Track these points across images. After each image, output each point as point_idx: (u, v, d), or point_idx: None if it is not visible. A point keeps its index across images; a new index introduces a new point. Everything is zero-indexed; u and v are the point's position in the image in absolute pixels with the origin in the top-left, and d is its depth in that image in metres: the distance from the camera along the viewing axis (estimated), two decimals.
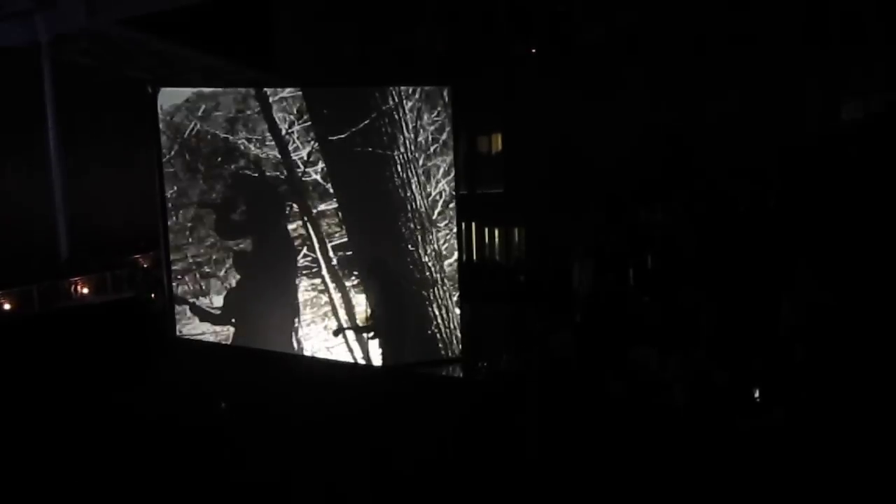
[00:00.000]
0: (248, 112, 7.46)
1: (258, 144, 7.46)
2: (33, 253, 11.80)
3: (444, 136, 7.89)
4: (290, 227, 7.61)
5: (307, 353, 7.56)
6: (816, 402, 5.46)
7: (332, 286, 7.69)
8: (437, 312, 7.93)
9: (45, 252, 12.12)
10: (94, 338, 3.43)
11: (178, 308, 7.32)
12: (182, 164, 7.35)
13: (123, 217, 12.17)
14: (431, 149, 7.83)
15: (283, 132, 7.50)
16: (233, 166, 7.43)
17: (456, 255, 7.97)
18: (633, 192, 10.22)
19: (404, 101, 7.72)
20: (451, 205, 7.94)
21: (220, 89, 7.53)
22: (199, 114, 7.35)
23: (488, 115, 12.76)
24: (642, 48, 11.00)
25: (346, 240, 7.70)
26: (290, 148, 7.54)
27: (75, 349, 3.32)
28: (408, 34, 13.11)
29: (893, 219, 6.88)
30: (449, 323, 7.93)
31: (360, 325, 7.71)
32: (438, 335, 7.94)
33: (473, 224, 13.39)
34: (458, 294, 7.97)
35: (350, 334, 7.70)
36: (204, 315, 7.35)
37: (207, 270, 7.41)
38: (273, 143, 7.51)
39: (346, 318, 7.71)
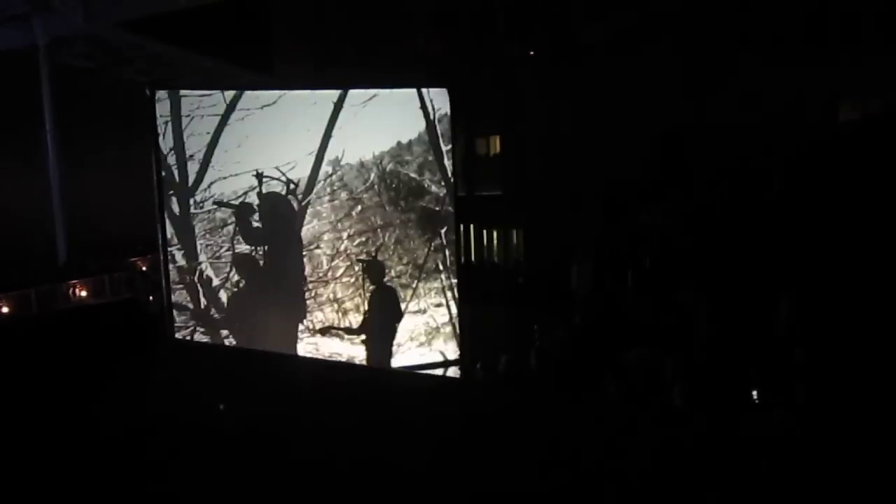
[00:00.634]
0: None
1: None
2: (31, 256, 11.81)
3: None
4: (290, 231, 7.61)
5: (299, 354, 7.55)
6: (816, 403, 5.46)
7: (329, 290, 7.68)
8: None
9: (44, 255, 12.12)
10: (92, 340, 3.42)
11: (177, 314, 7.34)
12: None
13: (121, 220, 12.18)
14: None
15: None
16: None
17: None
18: (631, 193, 10.23)
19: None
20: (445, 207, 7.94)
21: (217, 91, 7.52)
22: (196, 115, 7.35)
23: (487, 117, 12.77)
24: (641, 50, 11.03)
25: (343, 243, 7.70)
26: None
27: (73, 352, 3.31)
28: (407, 36, 13.13)
29: (893, 219, 6.88)
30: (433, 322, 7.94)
31: (351, 327, 7.65)
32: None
33: (472, 226, 13.41)
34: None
35: (343, 336, 7.66)
36: (202, 318, 7.36)
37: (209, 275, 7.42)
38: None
39: (333, 317, 7.68)
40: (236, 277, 7.48)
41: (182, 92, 7.42)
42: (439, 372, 7.81)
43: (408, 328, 7.83)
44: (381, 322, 7.70)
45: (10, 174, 12.30)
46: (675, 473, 2.23)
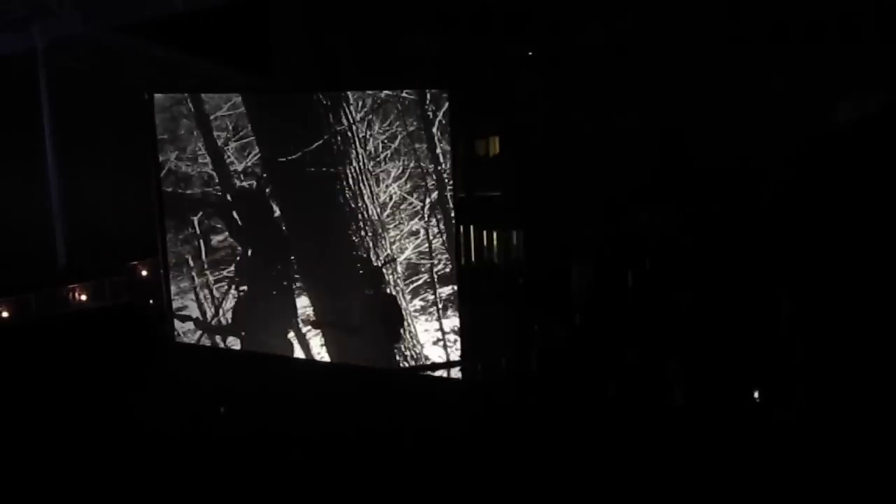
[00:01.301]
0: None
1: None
2: (31, 260, 11.78)
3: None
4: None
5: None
6: (816, 404, 5.45)
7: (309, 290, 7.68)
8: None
9: (43, 259, 12.09)
10: (93, 344, 3.42)
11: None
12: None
13: (121, 223, 12.15)
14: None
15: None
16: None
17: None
18: (631, 194, 10.21)
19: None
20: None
21: (216, 94, 7.52)
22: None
23: (486, 119, 12.75)
24: (640, 50, 11.01)
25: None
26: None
27: (74, 355, 3.31)
28: (405, 38, 13.12)
29: (893, 220, 6.88)
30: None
31: (347, 325, 7.63)
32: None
33: (472, 227, 13.38)
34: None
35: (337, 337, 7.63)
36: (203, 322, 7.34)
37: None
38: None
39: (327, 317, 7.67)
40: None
41: (180, 96, 7.42)
42: (440, 373, 7.81)
43: (409, 330, 7.82)
44: (383, 325, 7.70)
45: (9, 178, 12.28)
46: (676, 473, 2.22)
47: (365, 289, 7.57)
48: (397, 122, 7.81)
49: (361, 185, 7.65)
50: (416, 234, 7.84)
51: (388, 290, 7.67)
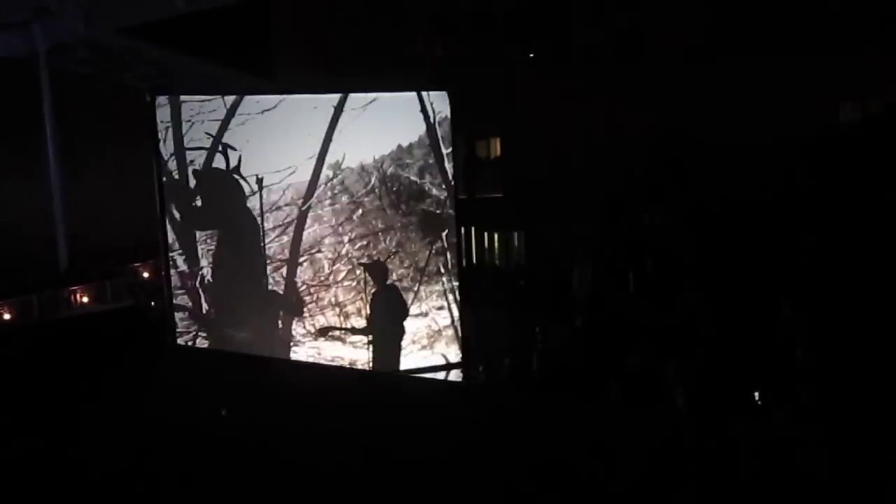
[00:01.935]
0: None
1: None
2: (33, 262, 11.79)
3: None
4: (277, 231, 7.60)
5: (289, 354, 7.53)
6: (816, 404, 5.45)
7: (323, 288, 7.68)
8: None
9: (45, 261, 12.11)
10: (95, 346, 3.42)
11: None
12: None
13: (122, 225, 12.17)
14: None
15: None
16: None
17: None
18: (632, 196, 10.23)
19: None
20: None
21: (218, 96, 7.52)
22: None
23: (487, 120, 12.76)
24: (641, 52, 11.03)
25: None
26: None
27: (76, 357, 3.31)
28: (407, 40, 13.14)
29: (893, 220, 6.88)
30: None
31: (356, 328, 7.62)
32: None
33: (473, 229, 13.40)
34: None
35: (345, 340, 7.63)
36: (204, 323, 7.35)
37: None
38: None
39: (336, 321, 7.66)
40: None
41: (183, 97, 7.43)
42: (441, 375, 7.81)
43: (410, 331, 7.82)
44: (388, 321, 7.69)
45: (11, 180, 12.30)
46: (677, 474, 2.22)
47: (369, 285, 7.56)
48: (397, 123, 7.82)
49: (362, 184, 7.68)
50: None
51: (387, 282, 7.66)
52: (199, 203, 7.35)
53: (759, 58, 9.95)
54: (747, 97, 9.83)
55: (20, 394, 3.06)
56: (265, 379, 3.21)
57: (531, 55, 12.81)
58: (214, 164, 7.33)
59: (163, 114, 7.26)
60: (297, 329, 7.61)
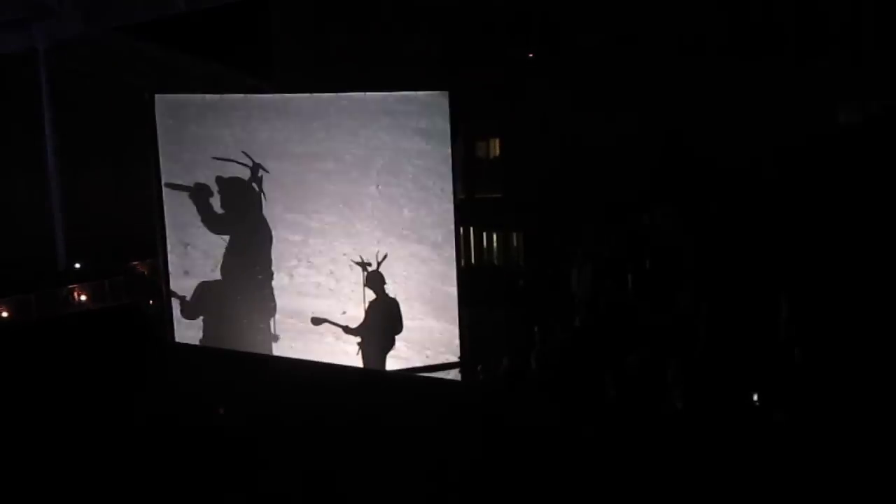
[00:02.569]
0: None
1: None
2: (31, 260, 11.79)
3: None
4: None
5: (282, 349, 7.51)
6: (816, 405, 5.45)
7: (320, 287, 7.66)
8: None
9: (43, 260, 12.11)
10: (93, 345, 3.41)
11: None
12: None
13: (121, 224, 12.18)
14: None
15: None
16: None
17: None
18: (631, 196, 10.23)
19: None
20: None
21: (217, 96, 7.51)
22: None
23: (487, 120, 12.77)
24: (640, 53, 11.03)
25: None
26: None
27: (73, 356, 3.30)
28: (407, 40, 13.14)
29: (893, 221, 6.88)
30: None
31: (350, 326, 7.59)
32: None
33: (472, 229, 13.41)
34: None
35: (340, 336, 7.60)
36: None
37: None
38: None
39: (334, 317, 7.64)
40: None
41: (181, 96, 7.42)
42: (440, 375, 7.80)
43: (410, 330, 7.80)
44: (381, 330, 7.67)
45: (10, 179, 12.31)
46: (677, 474, 2.22)
47: (364, 290, 7.55)
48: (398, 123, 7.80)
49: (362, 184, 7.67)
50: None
51: (387, 292, 7.64)
52: (219, 209, 7.38)
53: (760, 59, 9.95)
54: (747, 98, 9.84)
55: (18, 393, 3.05)
56: (262, 376, 3.20)
57: (531, 55, 12.81)
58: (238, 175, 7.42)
59: (161, 112, 7.26)
60: (290, 330, 7.60)
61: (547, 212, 11.66)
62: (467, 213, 10.51)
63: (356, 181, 7.73)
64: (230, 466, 2.51)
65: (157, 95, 7.29)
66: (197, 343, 7.28)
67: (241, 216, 7.46)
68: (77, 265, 12.20)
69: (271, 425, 2.71)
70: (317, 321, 7.52)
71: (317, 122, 7.61)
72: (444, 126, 7.90)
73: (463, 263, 8.56)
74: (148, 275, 11.61)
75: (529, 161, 12.42)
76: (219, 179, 7.39)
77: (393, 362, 7.77)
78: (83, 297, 10.85)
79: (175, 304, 7.37)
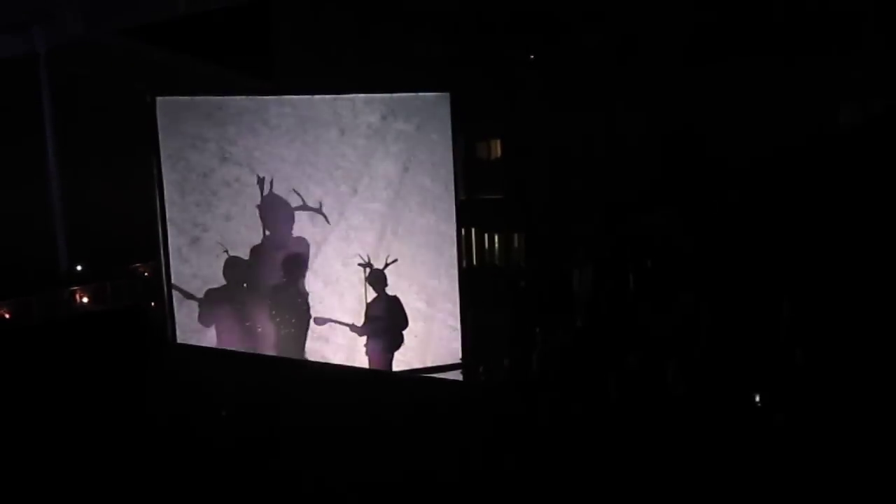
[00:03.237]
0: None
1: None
2: (33, 263, 11.80)
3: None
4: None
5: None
6: (816, 405, 5.45)
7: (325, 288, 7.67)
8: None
9: (45, 262, 12.12)
10: (95, 347, 3.42)
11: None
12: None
13: (122, 226, 12.19)
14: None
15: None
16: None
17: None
18: (632, 196, 10.23)
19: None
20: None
21: (218, 98, 7.51)
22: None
23: (488, 121, 12.77)
24: (641, 54, 11.03)
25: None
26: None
27: (75, 359, 3.31)
28: (408, 41, 13.14)
29: (893, 222, 6.88)
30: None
31: (355, 324, 7.61)
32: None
33: (474, 230, 13.41)
34: None
35: (342, 336, 7.61)
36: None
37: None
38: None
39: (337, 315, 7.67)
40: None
41: (183, 98, 7.43)
42: (442, 375, 7.80)
43: (412, 331, 7.81)
44: (387, 327, 7.68)
45: (11, 182, 12.32)
46: (678, 474, 2.22)
47: (369, 290, 7.55)
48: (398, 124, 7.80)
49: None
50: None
51: (388, 292, 7.65)
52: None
53: (760, 59, 9.95)
54: (747, 98, 9.83)
55: (21, 395, 3.06)
56: (264, 377, 3.20)
57: (531, 56, 12.82)
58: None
59: (163, 114, 7.27)
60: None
61: (548, 212, 11.66)
62: (468, 214, 10.51)
63: (357, 182, 7.74)
64: (232, 466, 2.51)
65: (158, 98, 7.30)
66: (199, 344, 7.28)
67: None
68: (79, 267, 12.21)
69: (273, 425, 2.71)
70: (321, 321, 7.55)
71: (318, 123, 7.62)
72: (446, 127, 7.91)
73: (464, 264, 8.57)
74: (150, 277, 11.62)
75: (531, 162, 12.42)
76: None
77: (395, 363, 7.78)
78: (85, 300, 10.86)
79: (176, 305, 7.39)
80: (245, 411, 2.84)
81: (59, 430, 2.86)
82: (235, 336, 7.42)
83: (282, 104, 7.56)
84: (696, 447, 2.42)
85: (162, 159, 7.25)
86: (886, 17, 9.28)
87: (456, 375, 7.85)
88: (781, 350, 6.22)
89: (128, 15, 11.75)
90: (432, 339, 7.92)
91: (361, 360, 7.66)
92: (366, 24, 13.51)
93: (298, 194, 7.56)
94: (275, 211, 7.52)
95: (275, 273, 7.52)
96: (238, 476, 2.53)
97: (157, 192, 7.26)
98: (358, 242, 7.68)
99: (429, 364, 7.84)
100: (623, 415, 3.09)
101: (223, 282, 7.40)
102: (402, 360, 7.78)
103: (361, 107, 7.72)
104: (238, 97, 7.56)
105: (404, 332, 7.75)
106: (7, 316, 9.82)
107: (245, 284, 7.47)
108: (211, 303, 7.37)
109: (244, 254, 7.43)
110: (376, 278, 7.64)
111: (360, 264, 7.62)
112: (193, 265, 7.38)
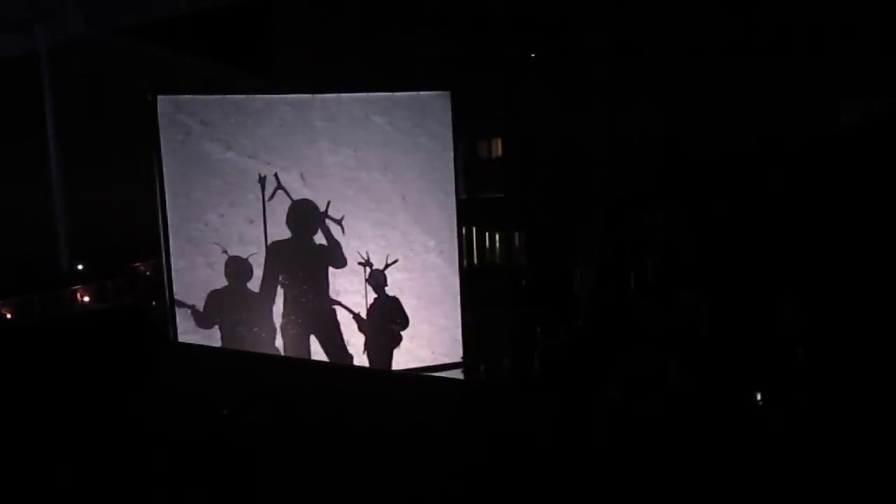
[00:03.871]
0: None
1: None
2: (34, 261, 11.81)
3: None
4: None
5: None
6: (817, 405, 5.45)
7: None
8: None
9: (46, 260, 12.13)
10: (96, 346, 3.42)
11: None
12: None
13: (124, 224, 12.19)
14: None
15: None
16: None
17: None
18: (633, 196, 10.22)
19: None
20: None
21: (219, 96, 7.51)
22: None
23: (488, 120, 12.77)
24: (641, 52, 11.02)
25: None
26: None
27: (77, 357, 3.31)
28: (407, 40, 13.14)
29: (893, 222, 6.87)
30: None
31: (361, 315, 7.63)
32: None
33: (474, 229, 13.41)
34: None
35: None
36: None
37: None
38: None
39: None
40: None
41: (184, 97, 7.43)
42: (442, 374, 7.81)
43: (412, 330, 7.82)
44: (386, 328, 7.69)
45: (12, 180, 12.32)
46: (679, 474, 2.22)
47: (369, 290, 7.57)
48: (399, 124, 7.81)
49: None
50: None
51: (387, 292, 7.65)
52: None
53: (761, 58, 9.95)
54: (747, 97, 9.83)
55: (22, 394, 3.06)
56: (265, 376, 3.21)
57: (532, 55, 12.81)
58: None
59: (164, 113, 7.27)
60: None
61: (549, 212, 11.67)
62: (469, 214, 10.51)
63: (357, 181, 7.74)
64: (233, 466, 2.51)
65: (159, 96, 7.31)
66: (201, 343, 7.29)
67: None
68: (80, 266, 12.21)
69: (274, 424, 2.71)
70: (332, 302, 7.59)
71: (318, 123, 7.63)
72: (446, 126, 7.91)
73: (465, 263, 8.57)
74: (151, 276, 11.63)
75: (531, 161, 12.42)
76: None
77: (395, 363, 7.79)
78: (86, 298, 10.87)
79: (177, 304, 7.40)
80: (245, 409, 2.85)
81: (60, 429, 2.86)
82: (237, 335, 7.43)
83: (283, 103, 7.56)
84: (698, 446, 2.42)
85: (163, 158, 7.26)
86: (886, 17, 9.27)
87: (456, 374, 7.86)
88: (783, 349, 6.22)
89: (130, 14, 11.75)
90: (433, 339, 7.93)
91: (361, 360, 7.67)
92: (366, 23, 13.52)
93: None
94: (277, 211, 7.54)
95: (278, 272, 7.53)
96: (239, 475, 2.54)
97: (158, 191, 7.27)
98: (357, 242, 7.69)
99: (429, 363, 7.85)
100: (624, 414, 3.09)
101: (224, 281, 7.41)
102: (403, 360, 7.79)
103: (362, 106, 7.72)
104: (239, 96, 7.56)
105: (404, 332, 7.76)
106: (9, 315, 9.83)
107: (247, 284, 7.48)
108: (212, 302, 7.38)
109: (245, 253, 7.44)
110: (376, 278, 7.65)
111: (360, 263, 7.63)
112: (194, 264, 7.39)
